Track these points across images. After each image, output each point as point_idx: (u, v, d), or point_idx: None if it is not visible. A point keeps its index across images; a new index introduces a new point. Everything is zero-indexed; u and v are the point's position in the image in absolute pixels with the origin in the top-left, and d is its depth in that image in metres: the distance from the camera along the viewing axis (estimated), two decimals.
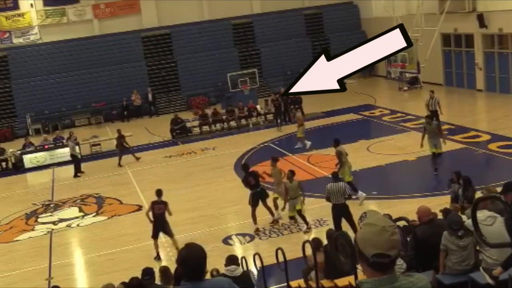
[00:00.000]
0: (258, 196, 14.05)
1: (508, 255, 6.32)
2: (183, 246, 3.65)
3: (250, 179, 14.10)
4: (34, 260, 14.15)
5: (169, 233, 13.17)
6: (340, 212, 12.38)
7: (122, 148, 22.18)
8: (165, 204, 13.14)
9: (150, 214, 13.19)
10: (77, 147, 22.57)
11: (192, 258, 3.51)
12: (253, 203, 14.01)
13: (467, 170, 15.82)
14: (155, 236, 13.08)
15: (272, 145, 22.21)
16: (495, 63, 25.80)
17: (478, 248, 7.04)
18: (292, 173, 13.71)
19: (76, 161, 21.75)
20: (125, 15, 32.91)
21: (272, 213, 14.25)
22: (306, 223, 13.59)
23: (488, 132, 19.73)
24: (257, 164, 19.91)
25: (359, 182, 15.46)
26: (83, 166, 23.08)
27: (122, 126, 28.97)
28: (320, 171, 17.87)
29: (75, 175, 21.42)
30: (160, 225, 13.05)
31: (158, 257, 12.97)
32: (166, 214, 13.13)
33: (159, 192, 13.31)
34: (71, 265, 13.86)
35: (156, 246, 13.10)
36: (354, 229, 11.42)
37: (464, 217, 8.03)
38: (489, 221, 6.72)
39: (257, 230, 13.87)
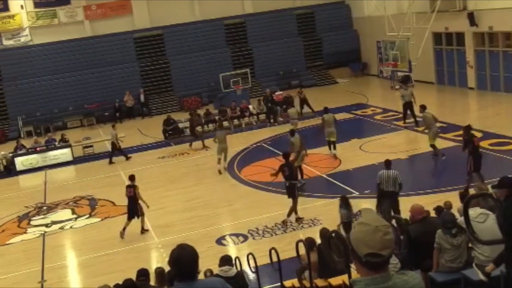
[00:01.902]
0: (290, 189, 13.94)
1: (500, 251, 6.35)
2: (174, 247, 3.64)
3: (285, 169, 14.14)
4: (27, 263, 14.08)
5: (138, 214, 14.56)
6: (389, 199, 12.15)
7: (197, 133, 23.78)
8: (133, 187, 14.46)
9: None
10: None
11: (183, 258, 3.51)
12: (289, 196, 13.99)
13: (459, 168, 15.96)
14: (129, 218, 14.51)
15: (264, 145, 22.21)
16: (486, 61, 25.91)
17: (470, 245, 7.08)
18: (292, 133, 16.98)
19: (118, 150, 22.53)
20: (116, 16, 32.81)
21: (296, 212, 14.10)
22: (302, 176, 16.23)
23: (479, 130, 19.78)
24: (250, 163, 19.97)
25: (352, 181, 15.50)
26: (76, 168, 23.06)
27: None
28: (314, 171, 17.89)
29: (110, 162, 22.26)
30: (131, 206, 14.44)
31: (123, 231, 14.43)
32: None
33: (131, 177, 14.84)
34: (64, 268, 13.80)
35: (126, 226, 14.48)
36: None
37: (456, 215, 8.08)
38: (481, 218, 6.76)
39: (284, 222, 13.85)
